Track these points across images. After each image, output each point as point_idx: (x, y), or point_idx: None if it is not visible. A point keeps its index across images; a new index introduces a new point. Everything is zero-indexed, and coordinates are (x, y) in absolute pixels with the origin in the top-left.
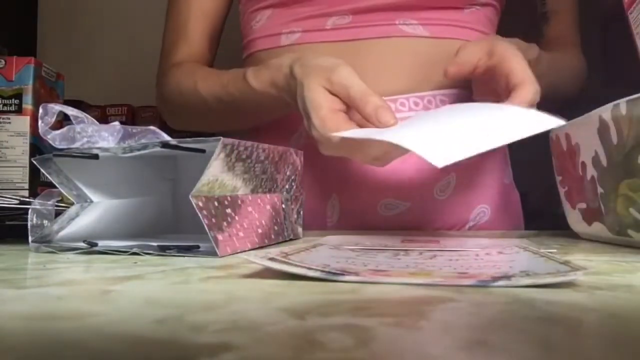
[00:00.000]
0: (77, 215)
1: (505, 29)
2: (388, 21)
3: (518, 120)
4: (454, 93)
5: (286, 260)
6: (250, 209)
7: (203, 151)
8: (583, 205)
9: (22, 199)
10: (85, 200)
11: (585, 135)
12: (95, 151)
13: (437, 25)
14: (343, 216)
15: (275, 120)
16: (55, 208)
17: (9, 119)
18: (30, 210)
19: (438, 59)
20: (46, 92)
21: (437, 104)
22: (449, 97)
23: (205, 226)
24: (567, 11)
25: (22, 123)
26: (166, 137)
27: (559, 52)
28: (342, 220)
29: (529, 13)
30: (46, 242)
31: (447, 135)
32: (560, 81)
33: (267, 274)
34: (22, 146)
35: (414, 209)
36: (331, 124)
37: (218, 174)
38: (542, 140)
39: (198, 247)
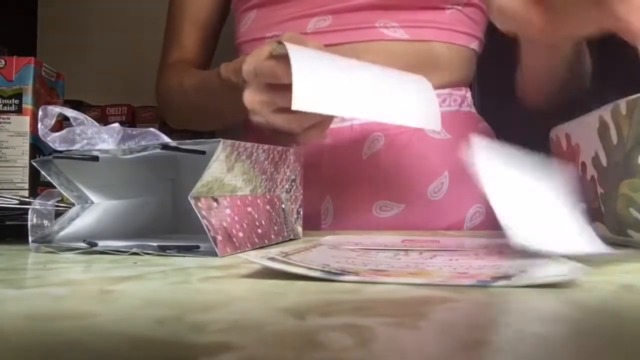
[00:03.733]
0: (77, 216)
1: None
2: (368, 23)
3: (412, 110)
4: (437, 94)
5: (286, 260)
6: (249, 209)
7: (203, 152)
8: (583, 205)
9: (22, 199)
10: (85, 201)
11: (585, 135)
12: (95, 153)
13: (417, 28)
14: (337, 218)
15: None
16: (55, 208)
17: (9, 119)
18: (30, 210)
19: (418, 62)
20: (46, 92)
21: None
22: None
23: (205, 227)
24: None
25: (22, 123)
26: (166, 139)
27: None
28: (337, 222)
29: None
30: (46, 242)
31: (333, 87)
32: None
33: (267, 274)
34: (22, 146)
35: (409, 210)
36: (265, 58)
37: (218, 175)
38: (542, 140)
39: (198, 247)
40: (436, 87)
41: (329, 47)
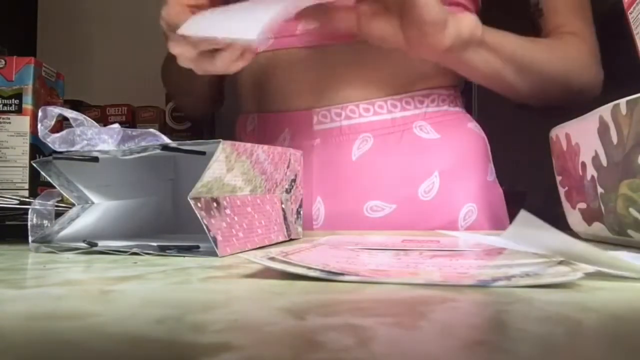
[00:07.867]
0: (77, 216)
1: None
2: None
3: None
4: (425, 94)
5: (286, 260)
6: (249, 209)
7: (203, 153)
8: (583, 205)
9: (22, 199)
10: (85, 202)
11: (585, 135)
12: (95, 154)
13: None
14: (328, 219)
15: (261, 123)
16: (55, 208)
17: (9, 119)
18: (30, 210)
19: (406, 62)
20: (46, 92)
21: (416, 104)
22: (419, 98)
23: (205, 227)
24: (562, 1)
25: (22, 123)
26: (166, 140)
27: (549, 40)
28: (328, 223)
29: (522, 9)
30: (46, 242)
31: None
32: (534, 66)
33: (267, 274)
34: (22, 146)
35: (400, 211)
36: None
37: (217, 175)
38: (542, 140)
39: (198, 247)
40: (424, 88)
41: (316, 47)
